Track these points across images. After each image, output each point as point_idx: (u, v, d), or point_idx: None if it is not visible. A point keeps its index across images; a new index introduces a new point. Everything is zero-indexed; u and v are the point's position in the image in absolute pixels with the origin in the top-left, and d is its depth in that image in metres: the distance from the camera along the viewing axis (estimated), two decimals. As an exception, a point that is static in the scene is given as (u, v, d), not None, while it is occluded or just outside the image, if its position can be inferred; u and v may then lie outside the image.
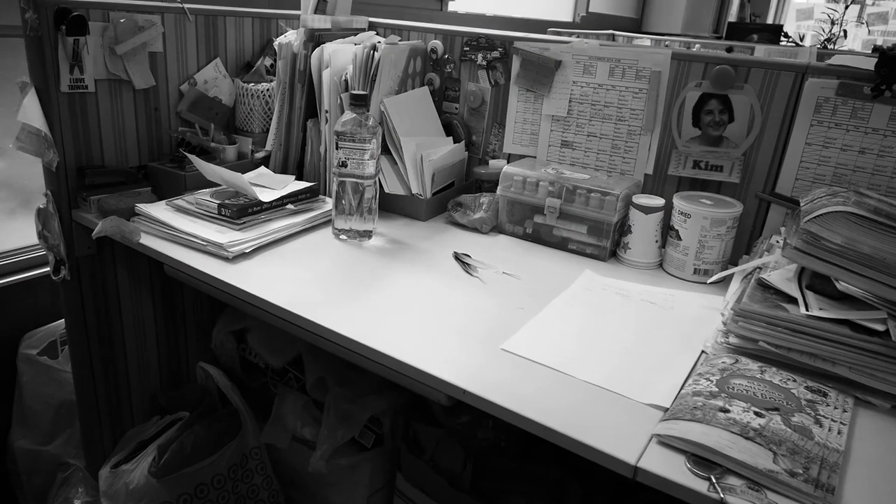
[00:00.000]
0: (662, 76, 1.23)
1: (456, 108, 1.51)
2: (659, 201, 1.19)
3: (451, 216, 1.36)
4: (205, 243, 1.11)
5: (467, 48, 1.44)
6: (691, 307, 1.05)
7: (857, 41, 6.29)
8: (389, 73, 1.34)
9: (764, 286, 0.94)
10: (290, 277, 1.06)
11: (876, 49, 0.97)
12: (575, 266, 1.20)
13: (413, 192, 1.35)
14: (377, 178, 1.22)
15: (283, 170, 1.46)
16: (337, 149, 1.17)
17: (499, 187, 1.32)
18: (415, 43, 1.46)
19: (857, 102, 1.07)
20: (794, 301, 0.89)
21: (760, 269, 0.99)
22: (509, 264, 1.17)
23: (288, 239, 1.21)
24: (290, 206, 1.27)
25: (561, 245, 1.27)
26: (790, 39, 5.30)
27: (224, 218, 1.17)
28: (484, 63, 1.43)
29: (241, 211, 1.17)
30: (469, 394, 0.79)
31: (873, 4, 6.18)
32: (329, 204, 1.27)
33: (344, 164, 1.18)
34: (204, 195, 1.23)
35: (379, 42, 1.32)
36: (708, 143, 1.22)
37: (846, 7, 5.37)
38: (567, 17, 3.93)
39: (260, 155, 1.44)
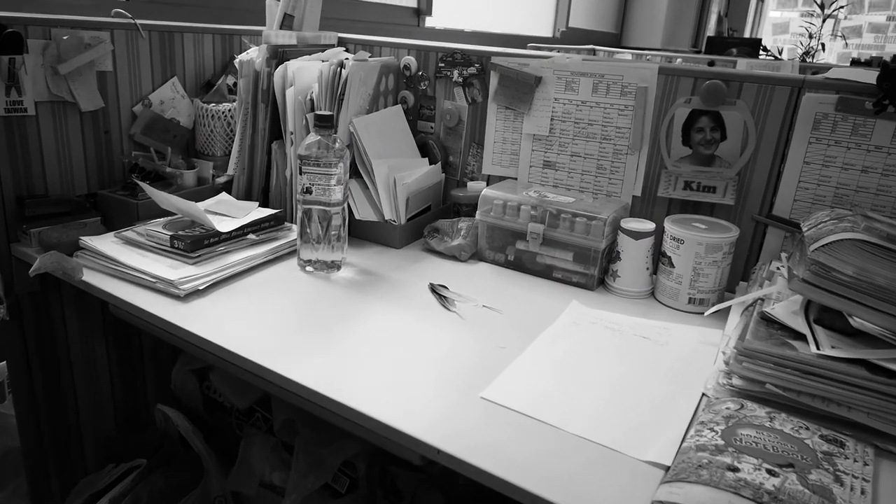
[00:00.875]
0: (649, 92, 1.16)
1: (431, 128, 1.42)
2: (649, 226, 1.11)
3: (427, 243, 1.27)
4: (154, 280, 1.01)
5: (442, 64, 1.36)
6: (688, 342, 0.96)
7: (832, 54, 6.35)
8: (359, 91, 1.25)
9: (768, 320, 0.86)
10: (248, 317, 0.96)
11: (875, 62, 0.90)
12: (561, 296, 1.11)
13: (386, 217, 1.26)
14: (346, 205, 1.13)
15: (247, 196, 1.36)
16: (301, 174, 1.08)
17: (478, 212, 1.23)
18: (386, 59, 1.38)
19: (857, 118, 1.00)
20: (802, 338, 0.81)
21: (762, 300, 0.91)
22: (490, 295, 1.08)
23: (249, 272, 1.11)
24: (251, 236, 1.17)
25: (545, 273, 1.18)
26: (769, 53, 5.32)
27: (177, 251, 1.07)
28: (460, 80, 1.35)
29: (196, 243, 1.07)
30: (444, 454, 0.70)
31: (846, 18, 6.25)
32: (295, 232, 1.17)
33: (308, 191, 1.08)
34: (156, 226, 1.12)
35: (347, 58, 1.23)
36: (699, 163, 1.14)
37: (823, 21, 5.41)
38: (547, 32, 3.89)
39: (221, 180, 1.34)
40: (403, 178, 1.28)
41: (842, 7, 5.53)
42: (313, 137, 1.07)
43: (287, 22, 1.42)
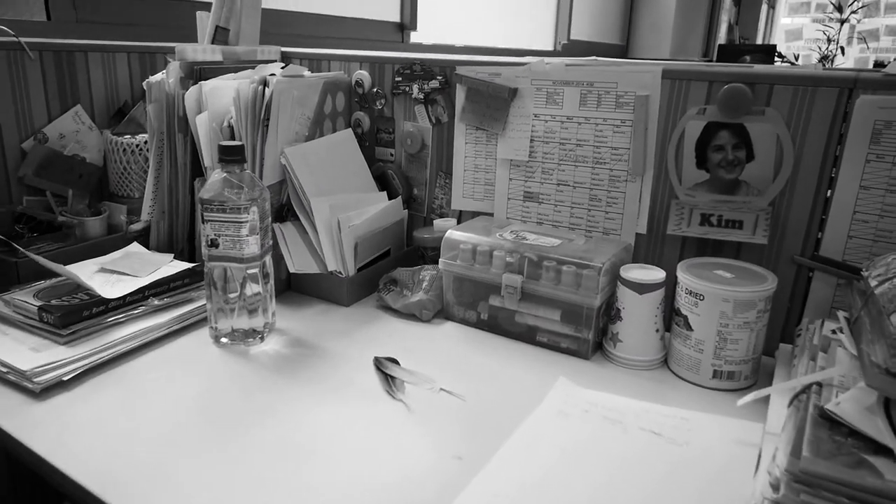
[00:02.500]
0: (651, 102, 0.91)
1: (391, 155, 1.18)
2: (657, 274, 0.86)
3: (381, 299, 1.02)
4: (6, 370, 0.77)
5: (399, 78, 1.12)
6: (715, 442, 0.70)
7: (850, 59, 6.07)
8: (291, 113, 1.02)
9: (831, 421, 0.60)
10: (120, 422, 0.71)
11: None
12: (546, 367, 0.85)
13: (330, 269, 1.02)
14: (267, 258, 0.88)
15: (169, 245, 1.12)
16: (204, 222, 0.84)
17: (441, 259, 0.98)
18: (334, 75, 1.15)
19: (934, 127, 0.74)
20: (885, 451, 0.55)
21: (820, 385, 0.64)
22: (455, 369, 0.83)
23: (145, 349, 0.87)
24: (152, 301, 0.92)
25: (527, 336, 0.93)
26: (784, 59, 5.06)
27: (46, 327, 0.83)
28: (421, 96, 1.11)
29: (69, 316, 0.83)
30: None
31: (859, 22, 5.98)
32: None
33: (214, 243, 0.84)
34: (27, 294, 0.89)
35: (273, 74, 1.00)
36: (720, 190, 0.89)
37: (841, 24, 5.14)
38: (547, 45, 3.66)
39: (136, 227, 1.11)
40: (350, 218, 1.03)
41: (858, 10, 5.26)
42: (217, 175, 0.83)
43: (220, 36, 1.20)
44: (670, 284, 0.85)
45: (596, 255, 0.88)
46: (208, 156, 1.01)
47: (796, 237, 0.85)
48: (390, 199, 1.14)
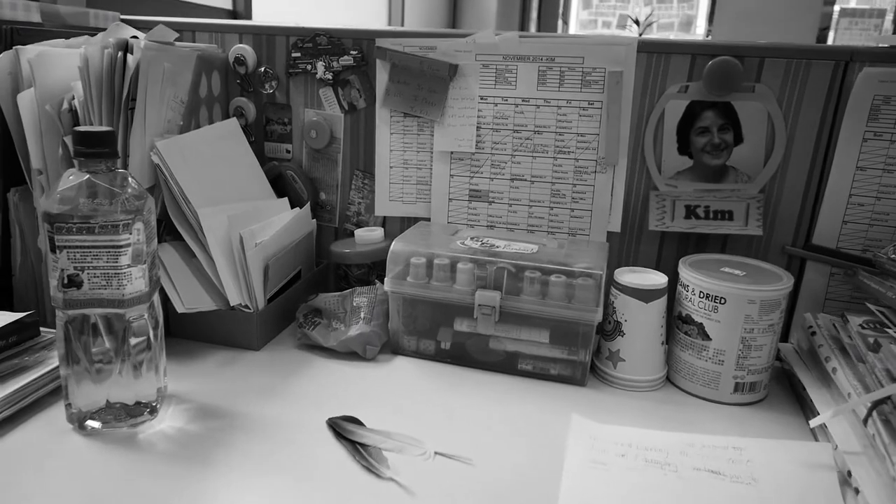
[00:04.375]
0: (626, 79, 0.78)
1: (288, 152, 0.94)
2: (658, 278, 0.73)
3: (305, 335, 0.78)
4: None
5: (298, 54, 0.89)
6: (785, 472, 0.58)
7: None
8: (163, 94, 0.74)
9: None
10: None
11: None
12: (542, 402, 0.69)
13: (232, 303, 0.75)
14: (156, 297, 0.61)
15: (-31, 286, 0.77)
16: (55, 250, 0.54)
17: (387, 280, 0.77)
18: (206, 48, 0.87)
19: (934, 101, 0.70)
20: None
21: (893, 402, 0.55)
22: (433, 420, 0.63)
23: (-42, 455, 0.55)
24: (-37, 377, 0.60)
25: (506, 365, 0.75)
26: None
27: None
28: (329, 76, 0.88)
29: None
30: None
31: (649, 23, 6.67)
32: (58, 356, 0.62)
33: (74, 282, 0.55)
34: None
35: (135, 37, 0.72)
36: (705, 178, 0.79)
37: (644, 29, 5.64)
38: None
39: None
40: (255, 234, 0.78)
41: (651, 24, 5.84)
42: (75, 179, 0.55)
43: (28, -5, 0.86)
44: (670, 289, 0.73)
45: (580, 260, 0.74)
46: (39, 153, 0.69)
47: (787, 226, 0.78)
48: (293, 206, 0.89)
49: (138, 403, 0.61)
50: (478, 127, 0.84)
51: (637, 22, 5.60)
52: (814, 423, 0.60)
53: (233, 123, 0.88)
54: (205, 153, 0.80)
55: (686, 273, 0.71)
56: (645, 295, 0.71)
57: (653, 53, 0.77)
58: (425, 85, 0.84)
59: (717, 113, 0.77)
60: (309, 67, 0.89)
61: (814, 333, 0.72)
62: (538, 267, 0.73)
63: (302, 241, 0.87)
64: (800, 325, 0.77)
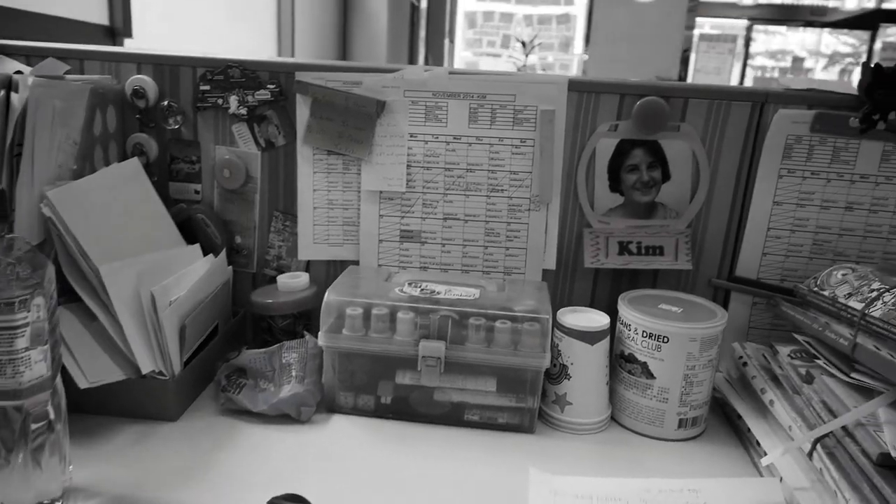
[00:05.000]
0: (557, 118, 0.78)
1: (197, 192, 0.86)
2: (602, 319, 0.73)
3: (229, 400, 0.71)
4: None
5: (207, 87, 0.81)
6: (744, 512, 0.59)
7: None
8: (52, 136, 0.64)
9: (890, 467, 0.53)
10: None
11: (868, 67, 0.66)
12: (492, 454, 0.66)
13: (144, 371, 0.66)
14: (59, 380, 0.52)
15: None
16: (-69, 336, 0.45)
17: (321, 334, 0.71)
18: (99, 79, 0.78)
19: (839, 140, 0.75)
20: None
21: (850, 435, 0.57)
22: (384, 488, 0.58)
23: None
24: None
25: (451, 417, 0.72)
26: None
27: None
28: (243, 111, 0.81)
29: None
30: None
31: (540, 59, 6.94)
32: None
33: (-42, 373, 0.46)
34: None
35: (20, 73, 0.62)
36: (636, 215, 0.80)
37: (526, 57, 5.86)
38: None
39: None
40: (168, 290, 0.69)
41: (536, 45, 6.08)
42: (-43, 247, 0.46)
43: None
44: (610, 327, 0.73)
45: (523, 303, 0.72)
46: None
47: (712, 259, 0.81)
48: (205, 253, 0.81)
49: (40, 505, 0.52)
50: (408, 165, 0.81)
51: (524, 43, 5.81)
52: (765, 461, 0.62)
53: (133, 164, 0.78)
54: (103, 200, 0.71)
55: (627, 312, 0.71)
56: (590, 337, 0.70)
57: (583, 92, 0.77)
58: (351, 122, 0.80)
59: (646, 151, 0.78)
60: (220, 101, 0.81)
61: (745, 364, 0.74)
62: (482, 313, 0.70)
63: (218, 293, 0.79)
64: (728, 354, 0.79)
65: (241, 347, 0.76)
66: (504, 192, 0.81)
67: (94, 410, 0.68)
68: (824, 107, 0.74)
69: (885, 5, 6.00)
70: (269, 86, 0.80)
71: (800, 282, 0.76)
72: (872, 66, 0.71)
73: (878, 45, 6.91)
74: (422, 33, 6.09)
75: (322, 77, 0.79)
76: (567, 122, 0.78)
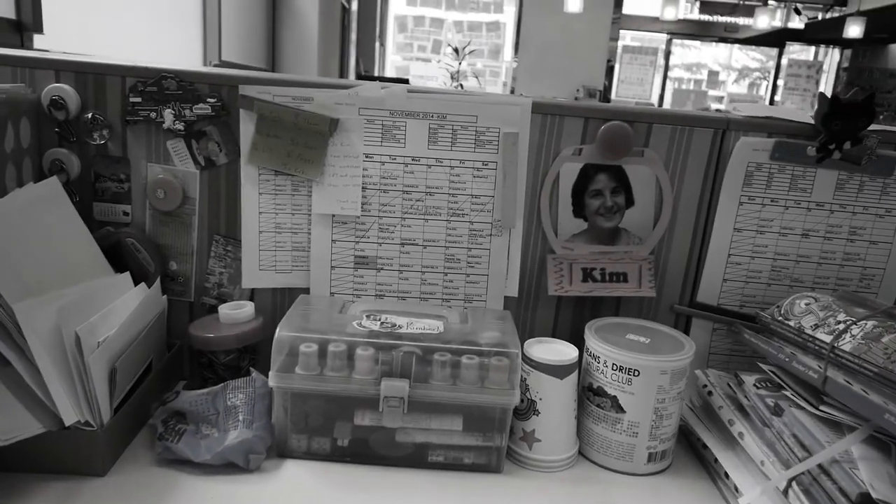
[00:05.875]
0: (521, 140, 0.75)
1: (126, 214, 0.77)
2: (570, 351, 0.70)
3: (167, 449, 0.63)
4: None
5: (138, 99, 0.73)
6: (722, 554, 0.57)
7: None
8: (-42, 156, 0.55)
9: (871, 507, 0.52)
10: None
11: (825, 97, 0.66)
12: (459, 500, 0.62)
13: (67, 422, 0.58)
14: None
15: None
16: None
17: (272, 374, 0.65)
18: (12, 89, 0.69)
19: (797, 168, 0.76)
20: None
21: (825, 472, 0.57)
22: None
23: None
24: None
25: (414, 459, 0.67)
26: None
27: None
28: (180, 127, 0.74)
29: None
30: None
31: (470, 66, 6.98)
32: None
33: None
34: None
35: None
36: (599, 241, 0.78)
37: (460, 63, 5.87)
38: (196, 65, 3.22)
39: None
40: (95, 329, 0.62)
41: (469, 53, 6.10)
42: None
43: None
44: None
45: (488, 336, 0.69)
46: None
47: (674, 284, 0.80)
48: (136, 281, 0.73)
49: None
50: (363, 187, 0.76)
51: (457, 50, 5.82)
52: (743, 501, 0.61)
53: (52, 183, 0.70)
54: (17, 226, 0.62)
55: (596, 343, 0.69)
56: (560, 371, 0.67)
57: (546, 115, 0.75)
58: (301, 140, 0.74)
59: (610, 176, 0.76)
60: (153, 115, 0.74)
61: (710, 393, 0.74)
62: (447, 348, 0.66)
63: (153, 326, 0.71)
64: (691, 382, 0.78)
65: (179, 386, 0.69)
66: (465, 217, 0.77)
67: (11, 468, 0.59)
68: (783, 135, 0.75)
69: (791, 25, 6.40)
70: (209, 99, 0.73)
71: (759, 308, 0.76)
72: (830, 96, 0.71)
73: (784, 61, 7.37)
74: (353, 36, 5.99)
75: (269, 91, 0.73)
76: (531, 145, 0.75)
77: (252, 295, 0.80)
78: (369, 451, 0.67)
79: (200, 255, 0.78)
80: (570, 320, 0.80)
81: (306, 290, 0.79)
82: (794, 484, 0.58)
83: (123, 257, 0.76)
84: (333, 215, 0.77)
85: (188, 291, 0.79)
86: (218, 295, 0.80)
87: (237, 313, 0.74)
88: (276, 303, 0.79)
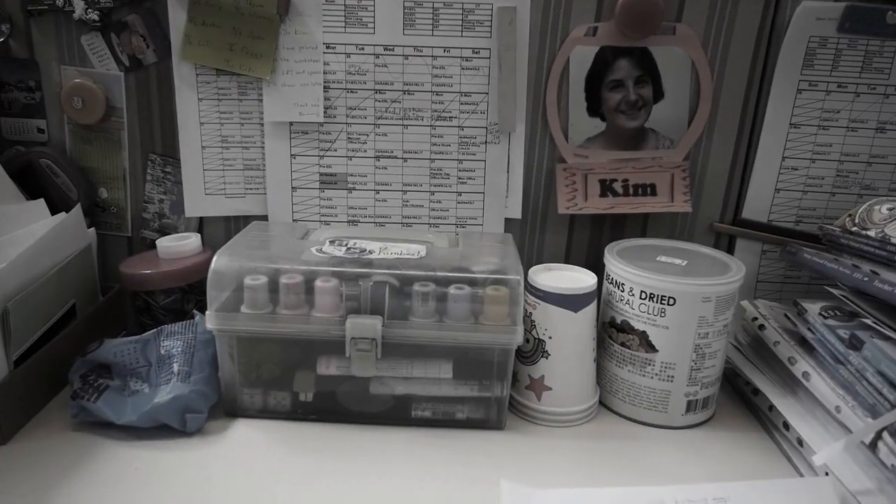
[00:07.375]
0: (520, 19, 0.60)
1: (41, 131, 0.64)
2: (586, 278, 0.56)
3: (82, 408, 0.51)
4: None
5: (40, -18, 0.59)
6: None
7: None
8: None
9: None
10: None
11: None
12: (452, 463, 0.49)
13: (-55, 378, 0.46)
14: None
15: None
16: None
17: (209, 313, 0.52)
18: None
19: (872, 42, 0.60)
20: None
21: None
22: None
23: None
24: None
25: (395, 415, 0.54)
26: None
27: None
28: (95, 17, 0.60)
29: None
30: None
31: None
32: None
33: None
34: None
35: None
36: (621, 145, 0.63)
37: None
38: None
39: None
40: (-19, 261, 0.48)
41: None
42: None
43: None
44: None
45: (484, 261, 0.55)
46: None
47: (714, 198, 0.65)
48: (54, 211, 0.60)
49: None
50: (325, 87, 0.61)
51: None
52: (818, 459, 0.47)
53: (-65, 88, 0.56)
54: None
55: (618, 267, 0.55)
56: (574, 302, 0.53)
57: (552, -15, 0.59)
58: (244, 28, 0.59)
59: (633, 62, 0.61)
60: (60, 2, 0.59)
61: (762, 327, 0.59)
62: (430, 276, 0.52)
63: (72, 263, 0.58)
64: (736, 315, 0.64)
65: (104, 336, 0.56)
66: (453, 121, 0.62)
67: None
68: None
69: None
70: (127, -20, 0.59)
71: (822, 223, 0.61)
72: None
73: None
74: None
75: (202, -34, 0.58)
76: (532, 26, 0.60)
77: (201, 226, 0.66)
78: (338, 406, 0.54)
79: (135, 180, 0.65)
80: (586, 245, 0.66)
81: (264, 218, 0.65)
82: (884, 434, 0.44)
83: (40, 182, 0.63)
84: (291, 123, 0.62)
85: (124, 224, 0.66)
86: (160, 227, 0.66)
87: (177, 245, 0.61)
88: (229, 234, 0.66)
